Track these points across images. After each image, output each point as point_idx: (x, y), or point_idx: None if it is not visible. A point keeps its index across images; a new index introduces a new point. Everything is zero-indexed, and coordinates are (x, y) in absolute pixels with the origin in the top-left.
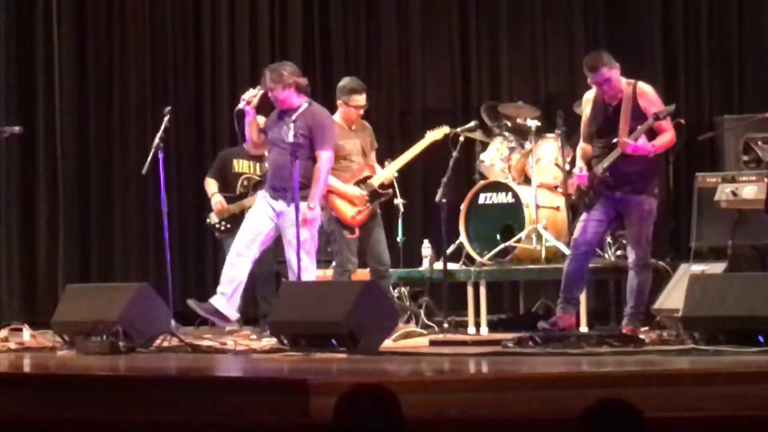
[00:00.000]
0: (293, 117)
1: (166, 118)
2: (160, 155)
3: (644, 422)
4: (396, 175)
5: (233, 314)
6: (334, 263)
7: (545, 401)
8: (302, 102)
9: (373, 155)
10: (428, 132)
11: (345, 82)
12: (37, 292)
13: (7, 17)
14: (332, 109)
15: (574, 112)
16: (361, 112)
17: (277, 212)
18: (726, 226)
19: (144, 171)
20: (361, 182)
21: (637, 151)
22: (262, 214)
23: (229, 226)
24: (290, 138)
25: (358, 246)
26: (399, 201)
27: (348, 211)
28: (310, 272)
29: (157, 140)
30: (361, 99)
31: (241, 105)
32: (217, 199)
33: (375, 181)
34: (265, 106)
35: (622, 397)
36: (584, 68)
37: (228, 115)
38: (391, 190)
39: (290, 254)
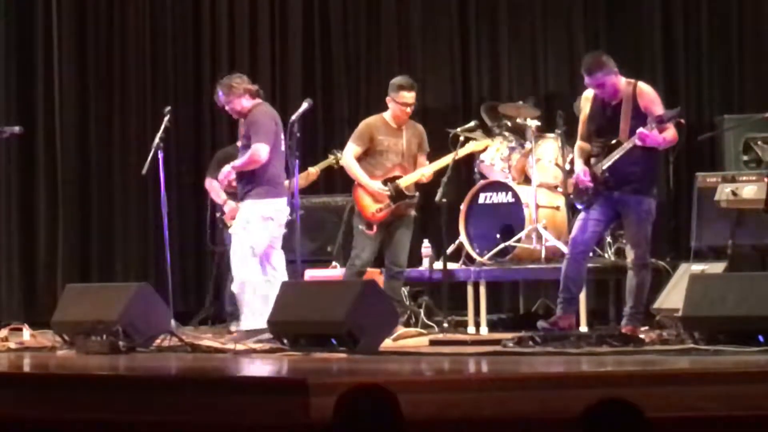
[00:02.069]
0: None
1: (166, 118)
2: (160, 155)
3: (646, 422)
4: (424, 179)
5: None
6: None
7: (545, 401)
8: (255, 103)
9: (422, 159)
10: (471, 142)
11: (395, 79)
12: (37, 292)
13: (7, 17)
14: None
15: (574, 112)
16: (408, 110)
17: None
18: (726, 226)
19: (144, 171)
20: (389, 181)
21: (647, 140)
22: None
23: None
24: (240, 142)
25: (376, 246)
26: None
27: (370, 206)
28: (245, 272)
29: (157, 140)
30: (408, 96)
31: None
32: (231, 206)
33: (402, 183)
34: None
35: (622, 397)
36: (581, 69)
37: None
38: (417, 194)
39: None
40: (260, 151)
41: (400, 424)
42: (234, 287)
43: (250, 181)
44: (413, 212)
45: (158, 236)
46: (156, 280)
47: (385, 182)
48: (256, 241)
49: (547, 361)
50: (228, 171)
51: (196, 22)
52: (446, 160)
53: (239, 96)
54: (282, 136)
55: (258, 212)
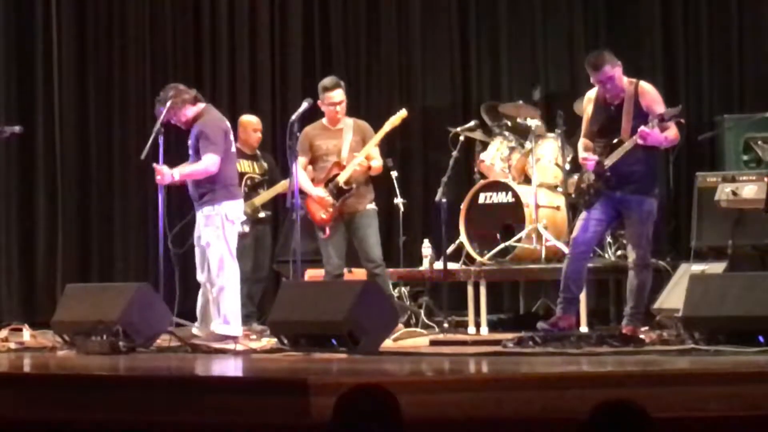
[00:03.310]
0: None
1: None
2: (161, 140)
3: (652, 423)
4: (359, 167)
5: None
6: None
7: (545, 401)
8: (198, 110)
9: (373, 153)
10: (390, 119)
11: (321, 81)
12: (37, 292)
13: (7, 17)
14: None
15: (574, 112)
16: (338, 108)
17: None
18: (726, 226)
19: (143, 156)
20: (330, 181)
21: (648, 138)
22: (196, 237)
23: (246, 228)
24: (190, 150)
25: (340, 245)
26: (399, 201)
27: (317, 212)
28: (223, 279)
29: (158, 125)
30: (334, 95)
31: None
32: None
33: (340, 179)
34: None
35: (622, 397)
36: (587, 67)
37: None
38: (354, 186)
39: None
40: (210, 163)
41: (400, 424)
42: (213, 292)
43: (206, 187)
44: (370, 206)
45: (158, 236)
46: (156, 280)
47: (326, 184)
48: (230, 242)
49: (547, 362)
50: (169, 176)
51: (196, 22)
52: (374, 141)
53: (180, 108)
54: (231, 137)
55: (222, 215)
